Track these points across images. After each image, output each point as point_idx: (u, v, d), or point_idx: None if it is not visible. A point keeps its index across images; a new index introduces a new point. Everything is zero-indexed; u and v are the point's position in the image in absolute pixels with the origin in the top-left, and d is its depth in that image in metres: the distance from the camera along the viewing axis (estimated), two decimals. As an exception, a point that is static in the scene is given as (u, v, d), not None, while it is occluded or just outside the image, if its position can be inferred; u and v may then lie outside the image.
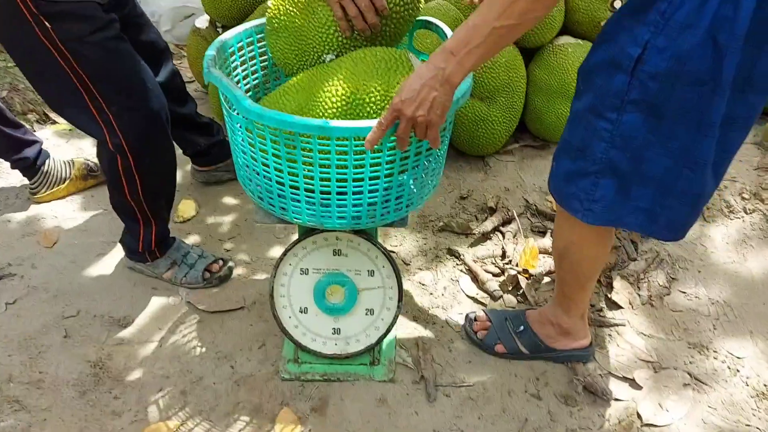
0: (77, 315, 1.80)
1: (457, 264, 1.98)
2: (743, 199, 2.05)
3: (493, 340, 1.68)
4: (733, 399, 1.56)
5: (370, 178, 1.25)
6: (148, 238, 1.83)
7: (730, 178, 2.12)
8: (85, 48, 1.47)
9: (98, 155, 1.78)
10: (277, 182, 1.29)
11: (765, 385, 1.59)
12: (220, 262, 1.95)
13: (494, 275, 1.92)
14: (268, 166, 1.27)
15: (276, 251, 2.05)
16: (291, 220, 1.35)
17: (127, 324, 1.78)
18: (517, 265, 1.93)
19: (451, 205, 2.24)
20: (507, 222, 2.12)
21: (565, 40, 2.48)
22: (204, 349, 1.71)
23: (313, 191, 1.27)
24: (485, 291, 1.87)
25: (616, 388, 1.59)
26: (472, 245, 2.06)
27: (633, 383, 1.60)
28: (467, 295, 1.87)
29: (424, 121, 1.10)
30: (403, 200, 1.35)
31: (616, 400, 1.56)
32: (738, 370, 1.63)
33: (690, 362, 1.65)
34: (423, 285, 1.91)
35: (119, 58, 1.55)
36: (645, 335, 1.73)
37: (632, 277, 1.88)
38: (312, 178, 1.25)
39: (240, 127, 1.30)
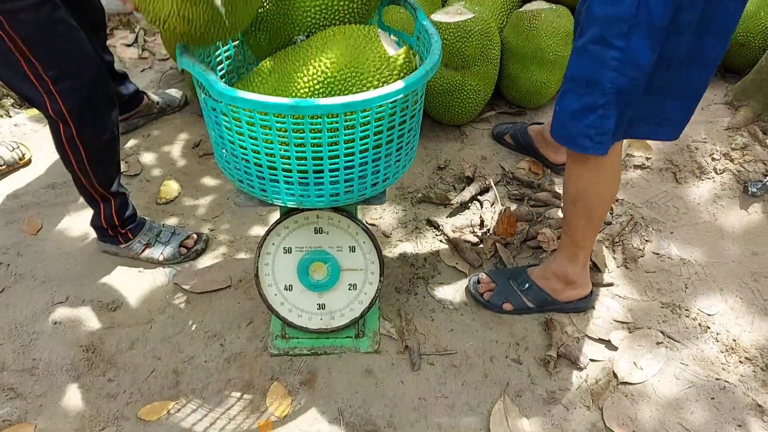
0: (66, 301, 1.82)
1: (436, 234, 2.03)
2: (713, 159, 2.10)
3: (500, 299, 1.75)
4: (704, 355, 1.63)
5: (345, 155, 1.28)
6: (108, 213, 1.86)
7: (701, 140, 2.17)
8: (19, 12, 1.46)
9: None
10: (255, 164, 1.32)
11: (734, 341, 1.66)
12: (194, 236, 2.00)
13: (473, 245, 1.97)
14: (245, 148, 1.29)
15: (258, 230, 2.08)
16: (271, 200, 1.38)
17: (117, 307, 1.81)
18: (495, 233, 1.98)
19: (429, 175, 2.27)
20: (484, 191, 2.16)
21: (538, 5, 2.48)
22: (193, 329, 1.75)
23: (290, 171, 1.30)
24: (465, 260, 1.92)
25: (593, 349, 1.66)
26: (450, 215, 2.10)
27: (609, 344, 1.67)
28: (447, 265, 1.92)
29: None
30: (379, 176, 1.38)
31: (593, 360, 1.63)
32: (708, 327, 1.70)
33: (663, 321, 1.72)
34: (404, 256, 1.96)
35: (53, 23, 1.55)
36: (620, 297, 1.80)
37: (608, 241, 1.94)
38: (288, 158, 1.27)
39: (215, 111, 1.31)
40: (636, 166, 2.18)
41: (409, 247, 1.98)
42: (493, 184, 2.15)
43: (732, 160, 2.08)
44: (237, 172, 1.38)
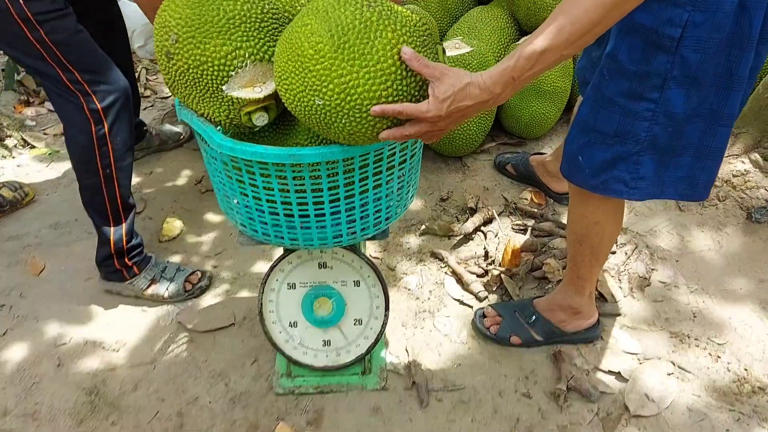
0: (69, 342, 1.81)
1: (441, 267, 2.02)
2: (715, 186, 2.10)
3: (506, 332, 1.74)
4: (716, 385, 1.61)
5: (346, 198, 1.28)
6: (118, 236, 1.86)
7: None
8: (53, 20, 1.57)
9: (68, 139, 1.78)
10: (257, 209, 1.32)
11: (746, 370, 1.64)
12: (199, 273, 2.00)
13: (478, 276, 1.96)
14: (246, 195, 1.29)
15: (262, 266, 2.07)
16: (273, 242, 1.37)
17: (119, 348, 1.79)
18: (500, 265, 1.97)
19: (432, 207, 2.27)
20: (488, 222, 2.15)
21: (536, 37, 2.51)
22: (197, 369, 1.73)
23: (292, 215, 1.29)
24: (470, 292, 1.91)
25: (603, 381, 1.64)
26: (454, 247, 2.09)
27: (619, 376, 1.64)
28: (453, 298, 1.90)
29: (447, 130, 1.09)
30: (381, 214, 1.38)
31: (603, 393, 1.60)
32: (719, 357, 1.68)
33: (673, 351, 1.70)
34: (409, 290, 1.94)
35: (80, 31, 1.66)
36: (628, 327, 1.78)
37: (613, 270, 1.92)
38: (290, 203, 1.27)
39: (215, 159, 1.32)
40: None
41: (413, 280, 1.97)
42: (496, 215, 2.14)
43: (734, 187, 2.08)
44: (239, 217, 1.38)
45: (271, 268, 1.57)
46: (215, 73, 1.17)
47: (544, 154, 2.32)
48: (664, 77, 1.21)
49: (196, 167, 2.57)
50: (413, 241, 2.12)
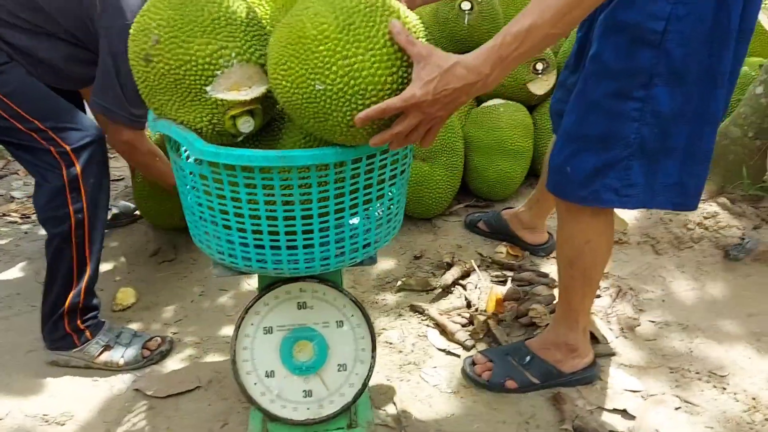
0: (6, 417, 1.57)
1: (422, 320, 1.90)
2: (688, 229, 2.10)
3: (500, 377, 1.61)
4: (727, 416, 1.51)
5: (336, 211, 1.19)
6: (78, 289, 1.69)
7: (672, 213, 2.18)
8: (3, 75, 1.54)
9: (37, 188, 1.67)
10: (239, 229, 1.21)
11: (754, 399, 1.55)
12: (158, 339, 1.81)
13: (463, 326, 1.84)
14: (227, 212, 1.19)
15: (228, 330, 1.90)
16: (255, 269, 1.26)
17: (66, 421, 1.57)
18: (485, 311, 1.87)
19: (406, 265, 2.18)
20: (466, 275, 2.07)
21: (494, 101, 2.57)
22: (158, 437, 1.52)
23: (277, 233, 1.19)
24: (456, 342, 1.79)
25: (610, 420, 1.52)
26: (434, 300, 1.99)
27: (625, 414, 1.53)
28: (438, 349, 1.78)
29: (439, 120, 1.02)
30: (371, 235, 1.29)
31: (612, 432, 1.48)
32: (724, 388, 1.59)
33: (676, 386, 1.61)
34: (390, 343, 1.81)
35: (34, 82, 1.61)
36: (625, 366, 1.68)
37: (601, 313, 1.85)
38: (275, 218, 1.18)
39: (193, 175, 1.22)
40: (615, 242, 2.15)
41: (394, 335, 1.84)
42: (475, 266, 2.07)
43: (707, 228, 2.09)
44: (216, 243, 1.27)
45: (246, 310, 1.43)
46: (199, 72, 1.10)
47: (513, 207, 2.30)
48: (650, 74, 1.21)
49: (152, 240, 2.42)
50: (390, 297, 2.01)
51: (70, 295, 1.68)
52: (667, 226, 2.13)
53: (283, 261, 1.23)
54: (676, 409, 1.53)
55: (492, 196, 2.56)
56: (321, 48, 0.99)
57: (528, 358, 1.62)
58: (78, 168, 1.61)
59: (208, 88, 1.11)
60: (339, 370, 1.47)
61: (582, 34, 1.46)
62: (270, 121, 1.28)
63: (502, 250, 2.21)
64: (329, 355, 1.45)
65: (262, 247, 1.21)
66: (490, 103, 2.56)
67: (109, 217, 2.45)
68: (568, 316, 1.58)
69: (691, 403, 1.55)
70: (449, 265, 2.11)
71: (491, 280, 2.06)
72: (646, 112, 1.23)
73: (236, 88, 1.14)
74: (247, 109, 1.14)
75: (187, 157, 1.35)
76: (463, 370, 1.67)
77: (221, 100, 1.12)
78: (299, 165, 1.10)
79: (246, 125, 1.15)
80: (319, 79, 1.00)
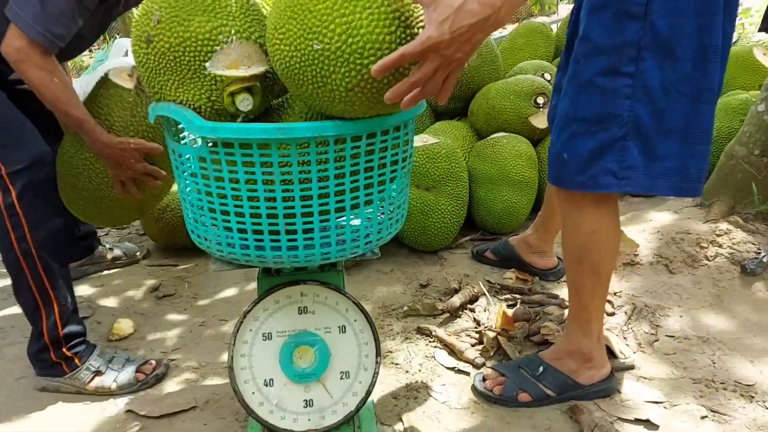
0: (-10, 439, 1.49)
1: (429, 341, 1.82)
2: (702, 248, 2.04)
3: (512, 390, 1.52)
4: (758, 423, 1.41)
5: (336, 193, 1.16)
6: (51, 322, 1.61)
7: (684, 232, 2.13)
8: None
9: None
10: (236, 213, 1.18)
11: (785, 406, 1.45)
12: (153, 362, 1.73)
13: (471, 345, 1.76)
14: (225, 196, 1.16)
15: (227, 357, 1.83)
16: (253, 259, 1.21)
17: (54, 444, 1.48)
18: (494, 329, 1.79)
19: (412, 294, 2.12)
20: (474, 299, 2.00)
21: (497, 135, 2.57)
22: (150, 457, 1.42)
23: (276, 217, 1.16)
24: (465, 360, 1.70)
25: (631, 431, 1.41)
26: (441, 324, 1.91)
27: (648, 424, 1.43)
28: (446, 368, 1.69)
29: (457, 65, 0.98)
30: (373, 225, 1.26)
31: (635, 442, 1.38)
32: (752, 396, 1.49)
33: (700, 396, 1.51)
34: (396, 364, 1.72)
35: None
36: (646, 378, 1.59)
37: (616, 329, 1.77)
38: (274, 199, 1.15)
39: (191, 159, 1.21)
40: (626, 264, 2.09)
41: (400, 357, 1.76)
42: (485, 289, 2.01)
43: (721, 246, 2.03)
44: (214, 233, 1.23)
45: (244, 316, 1.37)
46: (199, 48, 1.10)
47: (521, 233, 2.26)
48: (638, 47, 1.21)
49: (152, 279, 2.38)
50: (395, 323, 1.94)
51: (45, 327, 1.62)
52: (679, 245, 2.07)
53: (283, 248, 1.18)
54: (703, 417, 1.43)
55: (499, 229, 2.51)
56: (319, 6, 0.99)
57: (541, 369, 1.53)
58: (14, 195, 1.52)
59: (207, 64, 1.11)
60: (341, 378, 1.39)
61: (571, 29, 1.47)
62: (268, 109, 1.27)
63: (510, 276, 2.15)
64: (331, 362, 1.38)
65: (261, 233, 1.17)
66: (493, 136, 2.57)
67: (109, 257, 2.44)
68: (580, 319, 1.51)
69: (718, 413, 1.45)
70: (456, 291, 2.04)
71: (501, 302, 1.99)
72: (637, 88, 1.22)
73: (235, 66, 1.14)
74: (246, 87, 1.13)
75: (184, 140, 1.32)
76: (474, 387, 1.59)
77: (220, 76, 1.11)
78: (298, 138, 1.08)
79: (245, 103, 1.14)
80: (317, 38, 0.99)
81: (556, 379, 1.52)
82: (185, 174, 1.23)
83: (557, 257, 2.15)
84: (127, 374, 1.67)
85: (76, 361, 1.66)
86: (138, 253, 2.54)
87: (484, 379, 1.59)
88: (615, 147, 1.27)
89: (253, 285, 2.28)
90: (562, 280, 2.10)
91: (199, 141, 1.29)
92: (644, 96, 1.23)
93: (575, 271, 1.46)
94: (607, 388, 1.53)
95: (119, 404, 1.61)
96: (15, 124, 1.58)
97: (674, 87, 1.23)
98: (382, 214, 1.28)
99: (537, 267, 2.13)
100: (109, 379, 1.66)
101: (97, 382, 1.66)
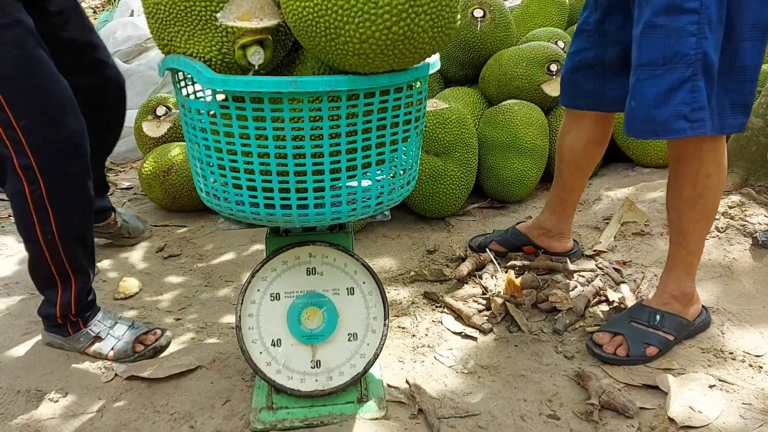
0: (-3, 392, 1.49)
1: (436, 306, 1.81)
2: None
3: (639, 348, 1.51)
4: (765, 393, 1.40)
5: (347, 151, 1.14)
6: (66, 300, 1.58)
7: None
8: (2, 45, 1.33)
9: (6, 191, 1.51)
10: (246, 170, 1.15)
11: (794, 377, 1.45)
12: (157, 332, 1.68)
13: (479, 311, 1.75)
14: (234, 152, 1.14)
15: (231, 318, 1.82)
16: (263, 217, 1.19)
17: (60, 398, 1.48)
18: (502, 294, 1.78)
19: (419, 259, 2.10)
20: (482, 266, 1.99)
21: (509, 101, 2.54)
22: (156, 413, 1.42)
23: (287, 173, 1.13)
24: (473, 326, 1.69)
25: (639, 396, 1.41)
26: (448, 291, 1.90)
27: (656, 390, 1.42)
28: (453, 332, 1.68)
29: None
30: (384, 186, 1.23)
31: (642, 408, 1.37)
32: (761, 367, 1.48)
33: (709, 366, 1.50)
34: (403, 328, 1.72)
35: (35, 64, 1.39)
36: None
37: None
38: (285, 155, 1.12)
39: (200, 113, 1.18)
40: (635, 234, 2.07)
41: (407, 321, 1.75)
42: (492, 256, 1.99)
43: (732, 218, 2.00)
44: (222, 191, 1.20)
45: (252, 276, 1.36)
46: None
47: (530, 218, 2.17)
48: None
49: (157, 239, 2.37)
50: (402, 288, 1.93)
51: (58, 304, 1.58)
52: (690, 217, 2.05)
53: (293, 206, 1.16)
54: (711, 386, 1.42)
55: (507, 197, 2.49)
56: None
57: (658, 317, 1.54)
58: (43, 188, 1.44)
59: (218, 15, 1.08)
60: (349, 340, 1.38)
61: None
62: (278, 65, 1.24)
63: (518, 253, 2.11)
64: (339, 324, 1.37)
65: (271, 190, 1.15)
66: (505, 103, 2.53)
67: (116, 229, 2.31)
68: (685, 263, 1.54)
69: (726, 382, 1.44)
70: (463, 259, 2.03)
71: (508, 270, 1.97)
72: (703, 25, 1.19)
73: (247, 18, 1.10)
74: (258, 39, 1.10)
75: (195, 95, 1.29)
76: (594, 353, 1.54)
77: (231, 27, 1.08)
78: (310, 92, 1.05)
79: (256, 56, 1.10)
80: None
81: (674, 322, 1.54)
82: (195, 129, 1.20)
83: (573, 240, 2.08)
84: (123, 343, 1.63)
85: (80, 323, 1.64)
86: (143, 232, 2.43)
87: (598, 344, 1.55)
88: (683, 88, 1.23)
89: (259, 247, 2.27)
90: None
91: (209, 95, 1.26)
92: (710, 33, 1.19)
93: (687, 216, 1.47)
94: (707, 318, 1.62)
95: (123, 366, 1.61)
96: (52, 92, 1.43)
97: (740, 21, 1.20)
98: (394, 175, 1.25)
99: (556, 251, 2.02)
100: (107, 346, 1.63)
101: (96, 347, 1.63)
